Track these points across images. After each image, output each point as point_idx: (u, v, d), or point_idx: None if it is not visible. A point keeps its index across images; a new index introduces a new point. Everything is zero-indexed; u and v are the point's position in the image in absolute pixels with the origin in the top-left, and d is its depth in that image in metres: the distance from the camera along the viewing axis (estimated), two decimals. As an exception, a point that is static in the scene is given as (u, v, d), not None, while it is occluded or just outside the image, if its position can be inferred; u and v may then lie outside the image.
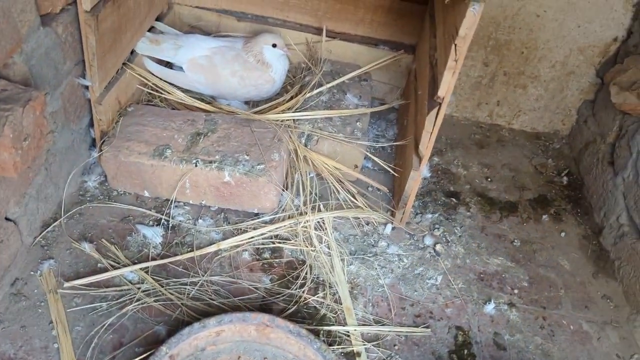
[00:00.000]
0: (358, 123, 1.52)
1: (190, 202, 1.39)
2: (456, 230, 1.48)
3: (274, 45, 1.55)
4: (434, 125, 1.23)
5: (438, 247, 1.41)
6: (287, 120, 1.48)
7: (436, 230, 1.46)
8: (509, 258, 1.44)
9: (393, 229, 1.43)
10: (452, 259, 1.40)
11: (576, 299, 1.37)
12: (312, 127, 1.48)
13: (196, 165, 1.31)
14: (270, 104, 1.59)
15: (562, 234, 1.54)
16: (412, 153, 1.35)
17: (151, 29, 1.59)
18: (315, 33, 1.72)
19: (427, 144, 1.27)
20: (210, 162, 1.31)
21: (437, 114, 1.22)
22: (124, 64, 1.41)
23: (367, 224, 1.42)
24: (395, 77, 1.76)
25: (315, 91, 1.57)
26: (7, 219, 1.11)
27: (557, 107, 1.82)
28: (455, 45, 1.11)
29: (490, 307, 1.30)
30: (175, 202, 1.37)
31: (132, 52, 1.49)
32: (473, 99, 1.84)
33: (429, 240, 1.42)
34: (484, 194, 1.61)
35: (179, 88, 1.57)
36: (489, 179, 1.67)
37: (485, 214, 1.55)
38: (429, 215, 1.49)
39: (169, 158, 1.31)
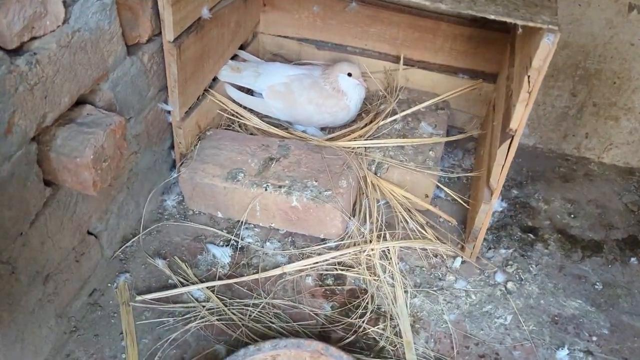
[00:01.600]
0: (431, 152, 1.50)
1: (260, 224, 1.43)
2: (531, 268, 1.40)
3: (350, 75, 1.57)
4: (506, 158, 1.19)
5: (510, 285, 1.35)
6: (358, 147, 1.48)
7: (509, 267, 1.39)
8: (588, 302, 1.34)
9: (462, 263, 1.38)
10: (525, 298, 1.33)
11: (665, 353, 1.25)
12: (383, 155, 1.47)
13: (266, 190, 1.34)
14: (344, 131, 1.60)
15: (653, 279, 1.42)
16: (485, 185, 1.30)
17: (235, 57, 1.67)
18: (393, 61, 1.72)
19: (498, 177, 1.22)
20: (280, 186, 1.35)
21: (510, 146, 1.17)
22: (205, 90, 1.49)
23: (435, 256, 1.39)
24: (476, 106, 1.72)
25: (389, 119, 1.57)
26: (89, 233, 1.20)
27: (653, 141, 1.69)
28: (529, 76, 1.07)
29: (563, 354, 1.22)
30: (245, 224, 1.42)
31: (215, 79, 1.56)
32: (559, 130, 1.75)
33: (500, 277, 1.36)
34: (565, 231, 1.52)
35: (257, 114, 1.63)
36: (572, 216, 1.57)
37: (565, 253, 1.46)
38: (503, 251, 1.43)
39: (241, 181, 1.36)
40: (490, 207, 1.27)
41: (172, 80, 1.29)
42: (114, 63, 1.12)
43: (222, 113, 1.58)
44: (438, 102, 1.66)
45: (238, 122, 1.60)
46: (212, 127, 1.53)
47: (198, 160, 1.41)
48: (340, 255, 1.35)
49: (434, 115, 1.62)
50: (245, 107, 1.63)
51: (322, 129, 1.67)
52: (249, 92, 1.67)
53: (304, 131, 1.64)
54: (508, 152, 1.18)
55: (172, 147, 1.45)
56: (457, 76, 1.70)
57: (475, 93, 1.69)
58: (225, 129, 1.59)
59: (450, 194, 1.49)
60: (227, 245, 1.38)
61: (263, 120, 1.61)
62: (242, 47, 1.72)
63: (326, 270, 1.34)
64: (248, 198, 1.37)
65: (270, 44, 1.82)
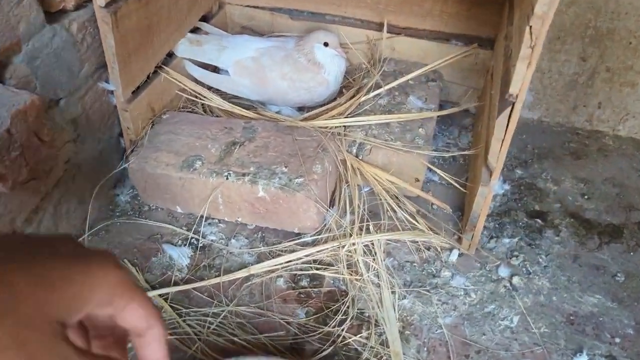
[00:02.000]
0: (421, 129, 1.30)
1: (226, 219, 1.24)
2: (540, 259, 1.21)
3: (326, 44, 1.37)
4: (506, 130, 0.99)
5: (516, 279, 1.15)
6: (336, 127, 1.29)
7: (514, 258, 1.20)
8: (609, 296, 1.15)
9: (460, 256, 1.19)
10: (534, 295, 1.14)
11: (701, 354, 1.06)
12: (365, 134, 1.28)
13: (227, 178, 1.15)
14: (320, 109, 1.41)
15: (683, 267, 1.22)
16: (483, 165, 1.11)
17: (196, 31, 1.48)
18: (376, 29, 1.52)
19: (497, 154, 1.03)
20: (243, 174, 1.16)
21: (510, 116, 0.98)
22: (158, 67, 1.30)
23: (428, 249, 1.20)
24: (472, 77, 1.52)
25: (372, 94, 1.37)
26: (16, 236, 1.02)
27: (676, 109, 1.49)
28: (531, 27, 0.87)
29: (582, 360, 1.03)
30: (208, 219, 1.23)
31: (172, 55, 1.37)
32: (568, 101, 1.55)
33: (504, 271, 1.17)
34: (578, 215, 1.33)
35: (224, 94, 1.44)
36: (586, 197, 1.38)
37: (579, 240, 1.26)
38: (507, 240, 1.24)
39: (199, 170, 1.17)
40: (490, 190, 1.08)
41: (110, 55, 1.10)
42: (27, 32, 0.93)
43: (182, 94, 1.39)
44: (428, 72, 1.46)
45: (201, 103, 1.41)
46: (169, 110, 1.34)
47: (150, 147, 1.22)
48: (317, 252, 1.16)
49: (424, 88, 1.42)
50: (209, 87, 1.43)
51: (300, 109, 1.48)
52: (216, 70, 1.48)
53: (278, 112, 1.45)
54: (508, 123, 0.99)
55: (122, 133, 1.26)
56: (450, 43, 1.49)
57: (470, 62, 1.49)
58: (187, 111, 1.40)
59: (445, 176, 1.29)
60: (186, 245, 1.19)
61: (231, 102, 1.42)
62: (205, 20, 1.52)
63: (300, 270, 1.15)
64: (208, 189, 1.18)
65: (239, 16, 1.62)
